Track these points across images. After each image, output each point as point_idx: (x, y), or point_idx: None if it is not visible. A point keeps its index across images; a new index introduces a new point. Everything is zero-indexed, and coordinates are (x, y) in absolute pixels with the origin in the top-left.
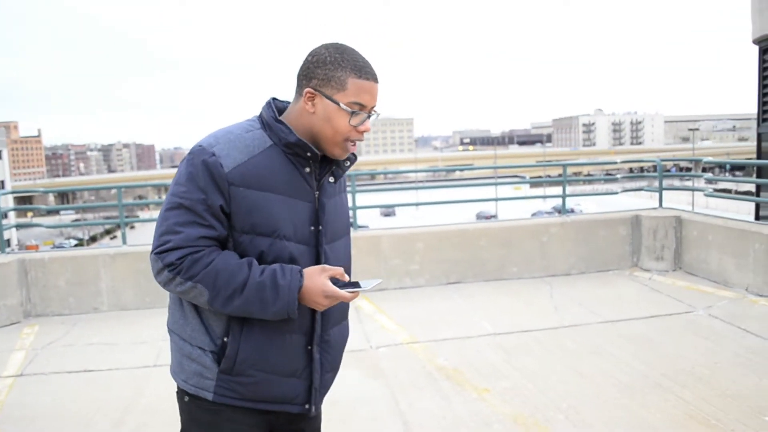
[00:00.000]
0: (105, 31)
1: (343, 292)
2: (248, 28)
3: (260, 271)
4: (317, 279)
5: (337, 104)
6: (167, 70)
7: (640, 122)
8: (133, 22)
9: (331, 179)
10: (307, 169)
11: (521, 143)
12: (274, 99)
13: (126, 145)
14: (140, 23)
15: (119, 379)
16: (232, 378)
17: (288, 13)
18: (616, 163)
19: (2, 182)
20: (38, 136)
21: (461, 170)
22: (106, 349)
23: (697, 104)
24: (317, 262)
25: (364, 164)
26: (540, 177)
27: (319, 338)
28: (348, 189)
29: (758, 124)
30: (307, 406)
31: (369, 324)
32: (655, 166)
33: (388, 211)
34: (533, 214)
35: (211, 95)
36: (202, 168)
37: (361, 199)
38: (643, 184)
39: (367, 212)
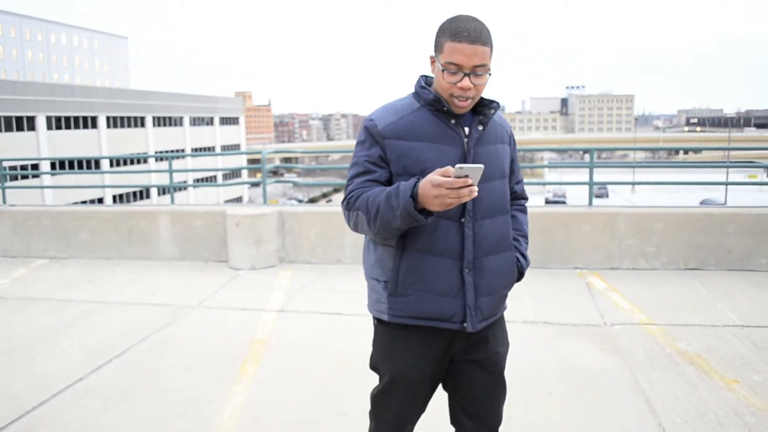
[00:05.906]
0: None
1: (442, 179)
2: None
3: (394, 187)
4: (428, 177)
5: (439, 64)
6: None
7: None
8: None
9: (480, 127)
10: (452, 121)
11: (759, 125)
12: (425, 76)
13: (344, 116)
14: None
15: (364, 324)
16: (397, 299)
17: None
18: None
19: (238, 145)
20: (268, 105)
21: (685, 151)
22: (352, 296)
23: None
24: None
25: (576, 141)
26: None
27: (471, 264)
28: (585, 163)
29: None
30: (465, 324)
31: (601, 300)
32: None
33: (600, 191)
34: None
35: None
36: (364, 131)
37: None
38: None
39: (572, 190)
